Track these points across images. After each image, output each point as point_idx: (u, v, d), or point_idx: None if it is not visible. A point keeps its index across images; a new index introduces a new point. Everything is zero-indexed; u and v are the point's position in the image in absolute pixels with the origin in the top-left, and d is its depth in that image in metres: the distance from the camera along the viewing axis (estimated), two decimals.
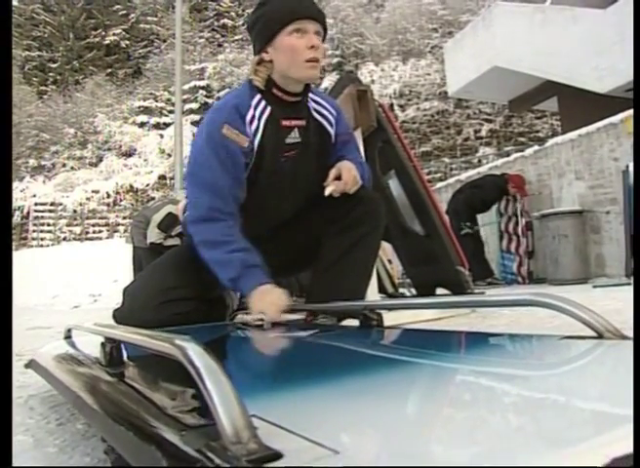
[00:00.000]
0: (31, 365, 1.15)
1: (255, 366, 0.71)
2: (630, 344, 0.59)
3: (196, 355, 0.40)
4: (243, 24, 29.81)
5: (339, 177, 1.50)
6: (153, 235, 4.77)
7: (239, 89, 1.56)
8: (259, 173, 1.49)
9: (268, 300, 1.27)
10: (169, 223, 4.67)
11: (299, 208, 1.64)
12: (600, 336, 0.63)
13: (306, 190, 1.60)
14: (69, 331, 1.28)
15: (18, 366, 1.60)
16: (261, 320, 1.19)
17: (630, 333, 1.44)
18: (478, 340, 0.83)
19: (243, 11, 30.51)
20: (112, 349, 0.71)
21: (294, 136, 1.52)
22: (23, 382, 1.47)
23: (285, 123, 1.49)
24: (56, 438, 0.93)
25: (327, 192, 1.47)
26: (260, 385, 0.54)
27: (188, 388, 0.52)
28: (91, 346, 0.95)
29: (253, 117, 1.44)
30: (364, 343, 0.87)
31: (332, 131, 1.60)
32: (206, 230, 1.42)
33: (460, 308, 1.19)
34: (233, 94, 1.55)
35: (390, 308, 1.07)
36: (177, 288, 1.47)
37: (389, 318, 1.13)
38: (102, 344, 0.74)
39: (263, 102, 1.47)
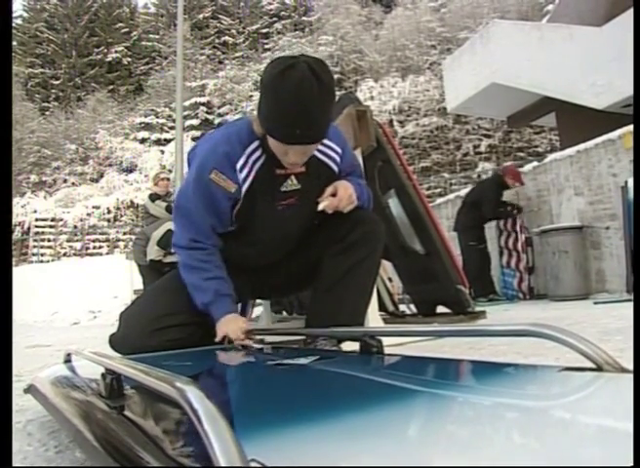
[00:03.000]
0: (30, 390, 1.14)
1: (255, 400, 0.71)
2: (629, 377, 0.59)
3: (195, 398, 0.40)
4: (244, 42, 30.21)
5: (334, 195, 1.50)
6: (153, 252, 4.78)
7: (239, 126, 1.51)
8: (252, 216, 1.51)
9: (232, 326, 1.42)
10: (168, 240, 4.68)
11: (300, 239, 1.65)
12: (599, 369, 0.63)
13: (310, 228, 1.62)
14: (69, 355, 1.27)
15: (16, 388, 1.58)
16: (224, 339, 1.43)
17: (630, 354, 1.43)
18: (479, 370, 0.83)
19: (244, 28, 30.96)
20: (112, 381, 0.71)
21: (290, 184, 1.50)
22: (22, 406, 1.45)
23: (279, 172, 1.47)
24: (55, 466, 0.92)
25: (320, 207, 1.48)
26: (260, 422, 0.54)
27: (188, 428, 0.51)
28: (90, 372, 0.94)
29: (244, 165, 1.44)
30: (366, 373, 0.87)
31: (336, 168, 1.57)
32: (186, 256, 1.52)
33: (459, 337, 1.18)
34: (229, 133, 1.49)
35: (390, 335, 1.07)
36: (171, 314, 1.49)
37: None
38: (103, 375, 0.74)
39: (259, 151, 1.45)
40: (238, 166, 1.44)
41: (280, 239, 1.61)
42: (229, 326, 1.42)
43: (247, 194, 1.46)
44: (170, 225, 4.72)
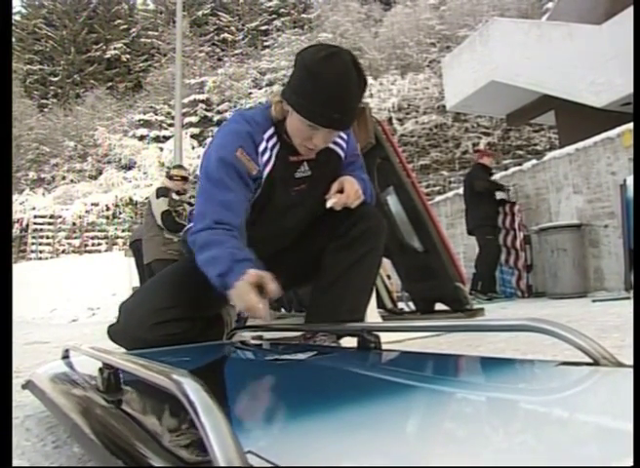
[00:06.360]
0: (28, 386, 1.14)
1: (252, 394, 0.71)
2: (626, 372, 0.59)
3: (192, 391, 0.41)
4: (243, 39, 30.14)
5: (341, 192, 1.49)
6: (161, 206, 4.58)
7: (253, 113, 1.51)
8: (267, 203, 1.49)
9: (244, 296, 1.20)
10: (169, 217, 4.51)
11: (304, 229, 1.64)
12: (596, 363, 0.63)
13: (315, 216, 1.61)
14: (67, 350, 1.27)
15: (15, 384, 1.58)
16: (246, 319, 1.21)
17: (629, 350, 1.43)
18: (476, 365, 0.83)
19: (243, 25, 30.88)
20: (110, 375, 0.71)
21: (303, 170, 1.50)
22: (20, 402, 1.45)
23: (293, 159, 1.47)
24: (52, 462, 0.92)
25: (328, 205, 1.46)
26: (257, 416, 0.54)
27: (185, 421, 0.51)
28: (88, 368, 0.94)
29: (265, 149, 1.43)
30: (364, 368, 0.87)
31: (343, 154, 1.58)
32: (207, 235, 1.35)
33: (457, 332, 1.18)
34: (248, 117, 1.47)
35: (388, 330, 1.07)
36: (172, 307, 1.45)
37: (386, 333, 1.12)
38: (100, 370, 0.74)
39: (275, 138, 1.45)
40: (260, 149, 1.43)
41: (289, 226, 1.60)
42: (241, 295, 1.21)
43: (267, 180, 1.45)
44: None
